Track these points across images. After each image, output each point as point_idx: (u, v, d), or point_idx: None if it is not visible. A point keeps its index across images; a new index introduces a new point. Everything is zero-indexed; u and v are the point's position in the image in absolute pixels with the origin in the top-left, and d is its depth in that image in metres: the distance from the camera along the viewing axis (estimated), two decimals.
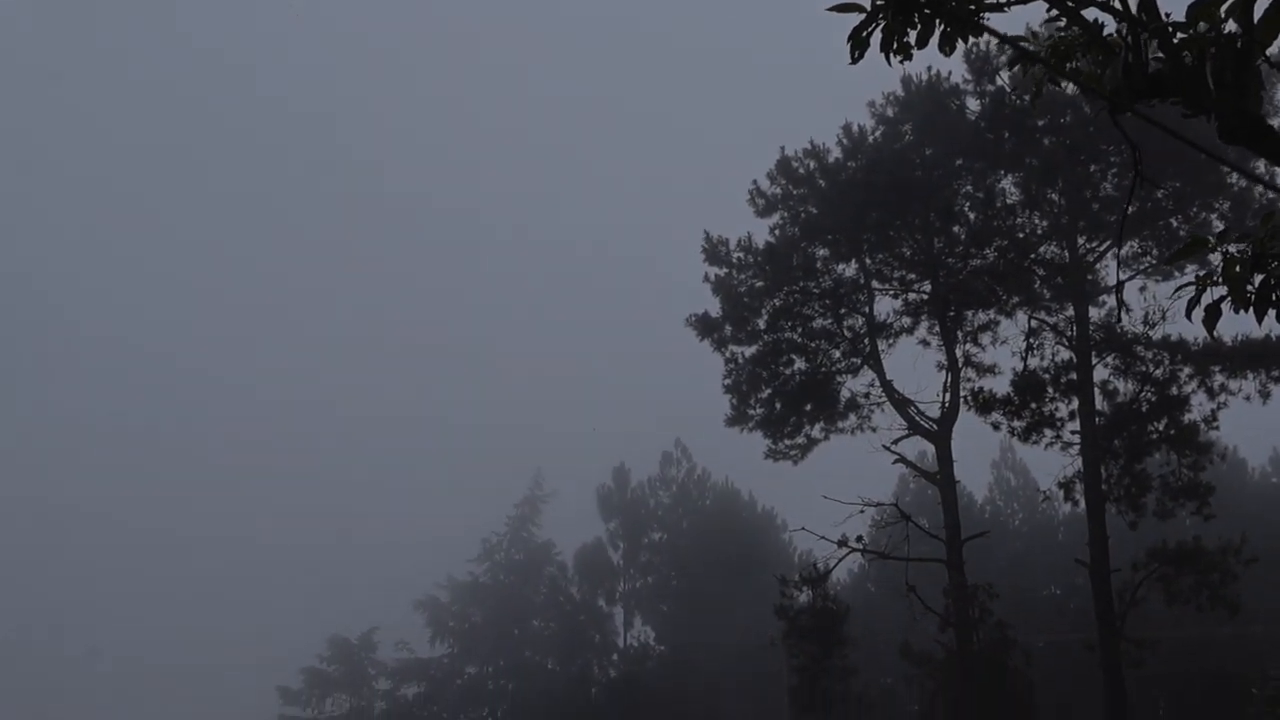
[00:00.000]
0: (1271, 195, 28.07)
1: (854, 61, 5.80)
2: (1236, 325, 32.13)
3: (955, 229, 32.30)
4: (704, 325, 33.70)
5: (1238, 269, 4.71)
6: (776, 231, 33.71)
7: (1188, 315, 4.87)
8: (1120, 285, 28.08)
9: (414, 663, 58.98)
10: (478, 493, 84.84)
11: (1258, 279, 4.72)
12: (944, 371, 32.46)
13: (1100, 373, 30.51)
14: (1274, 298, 4.76)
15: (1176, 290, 5.05)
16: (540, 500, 62.19)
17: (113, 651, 79.41)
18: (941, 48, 5.47)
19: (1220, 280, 4.83)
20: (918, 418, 32.45)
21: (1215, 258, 4.91)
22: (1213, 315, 4.82)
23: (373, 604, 79.21)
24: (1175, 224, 30.58)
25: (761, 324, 33.62)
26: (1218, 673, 41.46)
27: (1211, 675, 41.94)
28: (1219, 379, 29.63)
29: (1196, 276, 4.85)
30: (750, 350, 33.87)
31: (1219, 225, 29.73)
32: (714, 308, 33.80)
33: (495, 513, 61.88)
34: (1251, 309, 4.75)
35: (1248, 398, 29.64)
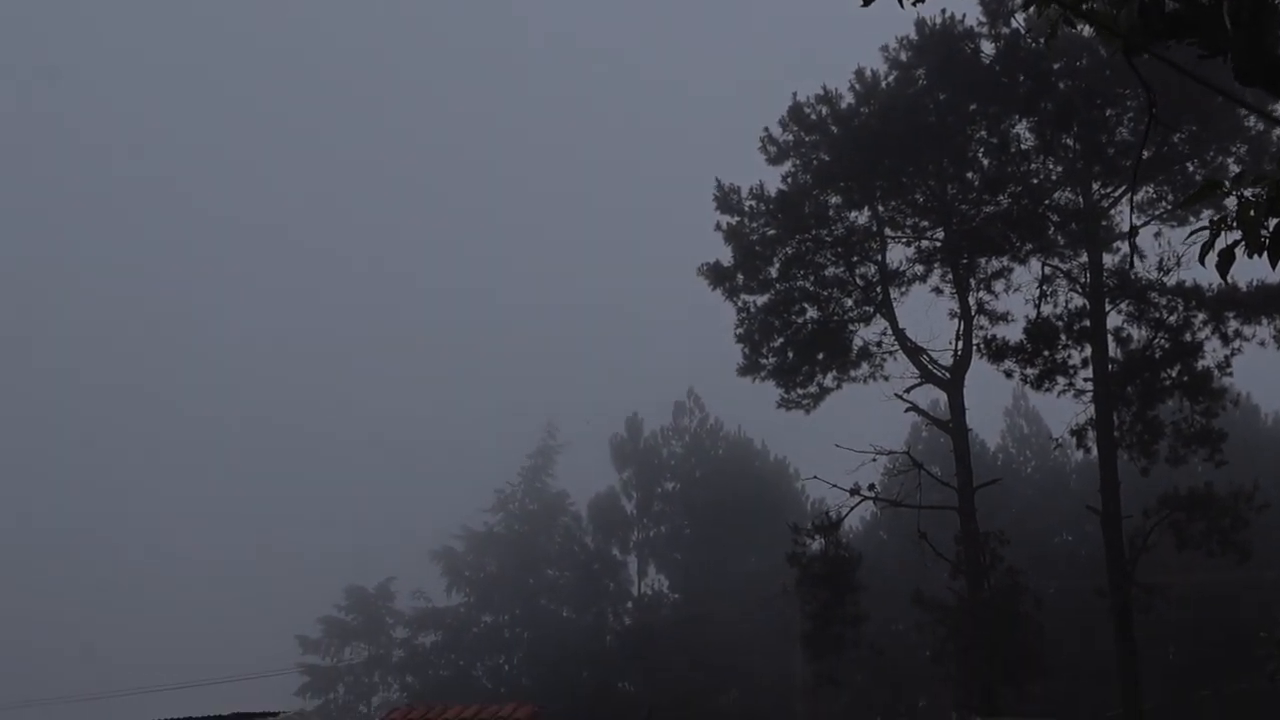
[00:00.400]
0: None
1: (866, 4, 5.73)
2: (1252, 270, 31.94)
3: (968, 175, 32.05)
4: (716, 274, 33.60)
5: (1252, 212, 4.66)
6: (789, 179, 33.49)
7: (1201, 260, 4.83)
8: (1134, 231, 27.86)
9: (431, 612, 59.61)
10: (491, 442, 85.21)
11: (1272, 223, 4.68)
12: (956, 319, 32.39)
13: (1114, 319, 30.44)
14: None
15: (1190, 235, 5.01)
16: (553, 450, 62.46)
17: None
18: None
19: (1234, 224, 4.78)
20: (930, 366, 32.44)
21: (1230, 202, 4.86)
22: (1226, 260, 4.78)
23: (389, 554, 79.90)
24: (1191, 168, 30.29)
25: (774, 272, 33.51)
26: (1228, 619, 41.62)
27: (1222, 621, 42.12)
28: (1233, 325, 29.50)
29: (1210, 221, 4.80)
30: (762, 299, 33.80)
31: (1235, 169, 29.41)
32: (726, 256, 33.70)
33: (509, 463, 62.26)
34: (1266, 253, 4.71)
35: (1262, 343, 29.54)
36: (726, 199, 33.62)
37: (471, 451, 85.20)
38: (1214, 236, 4.87)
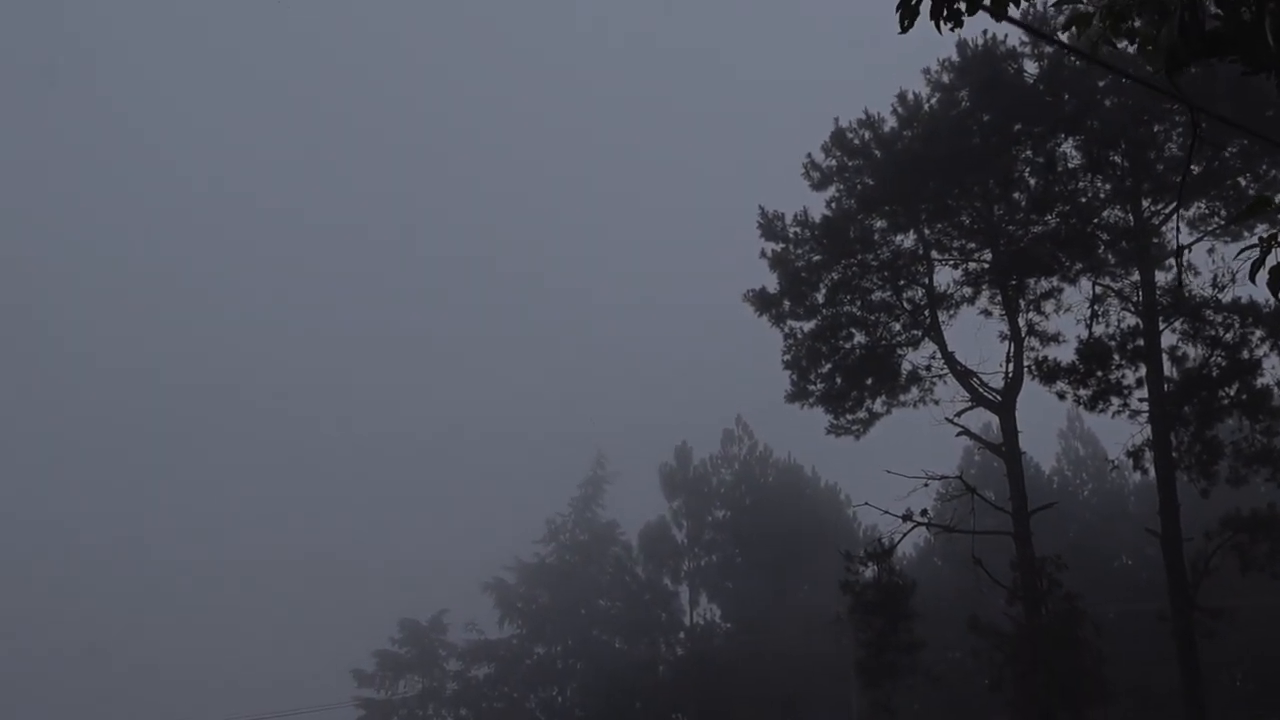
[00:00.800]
0: None
1: (903, 31, 5.73)
2: None
3: (1015, 196, 31.77)
4: (761, 301, 33.56)
5: None
6: (833, 204, 33.40)
7: (1251, 278, 4.74)
8: (1180, 250, 27.45)
9: (483, 644, 59.72)
10: (541, 473, 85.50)
11: None
12: (1006, 341, 32.04)
13: (1168, 338, 29.94)
14: None
15: (1241, 251, 4.93)
16: (603, 480, 62.53)
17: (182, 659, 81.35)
18: (993, 13, 5.39)
19: None
20: (981, 389, 32.09)
21: None
22: (1277, 277, 4.70)
23: (441, 587, 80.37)
24: (1244, 183, 29.81)
25: (820, 298, 33.39)
26: None
27: None
28: None
29: (1259, 238, 4.72)
30: (809, 325, 33.68)
31: None
32: (771, 283, 33.65)
33: (559, 493, 62.42)
34: None
35: None
36: (771, 226, 33.62)
37: (520, 482, 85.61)
38: (1264, 253, 4.79)
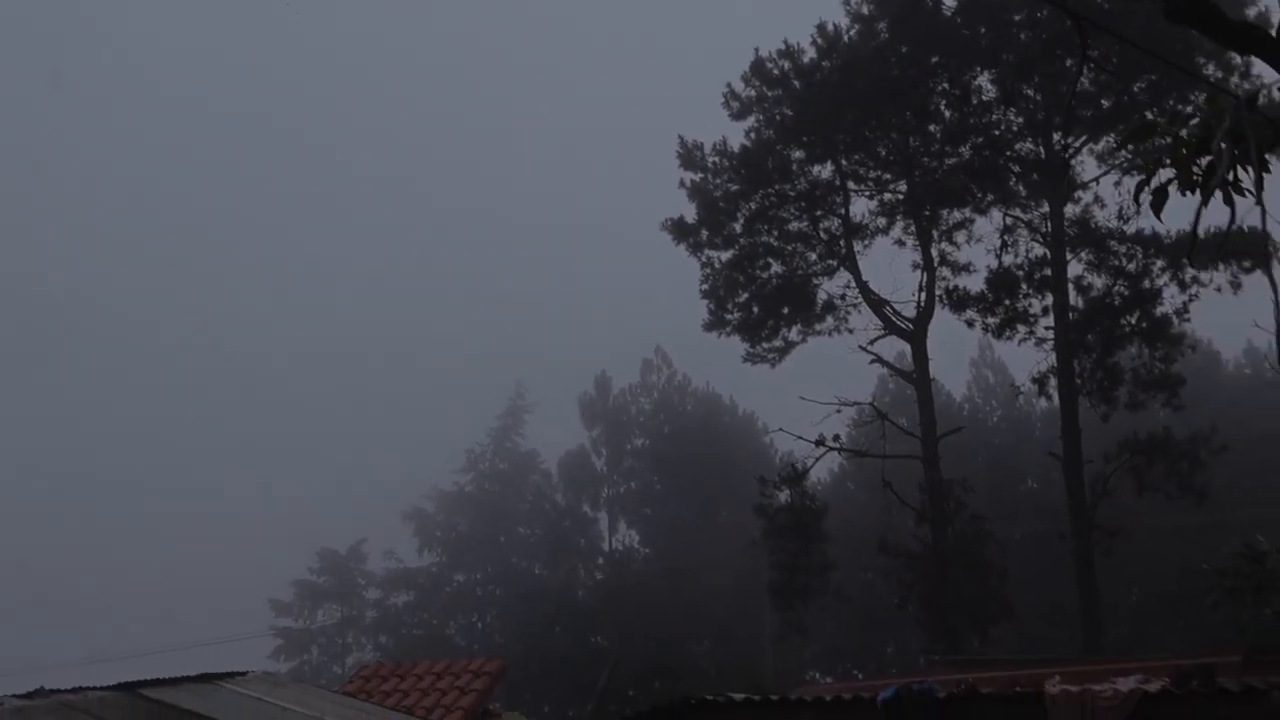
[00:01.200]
0: (1247, 85, 27.95)
1: None
2: (1209, 218, 32.21)
3: (931, 128, 32.19)
4: (680, 230, 33.69)
5: (1184, 151, 4.80)
6: (752, 135, 33.55)
7: (1135, 199, 4.97)
8: (1066, 165, 28.02)
9: (403, 572, 59.88)
10: (460, 404, 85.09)
11: (1204, 161, 4.82)
12: (919, 271, 32.68)
13: (1074, 268, 30.79)
14: (1225, 179, 4.85)
15: (1126, 174, 5.14)
16: (523, 410, 62.60)
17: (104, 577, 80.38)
18: None
19: (1169, 163, 4.92)
20: (894, 318, 32.74)
21: None
22: (1160, 198, 4.92)
23: (360, 516, 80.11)
24: (1150, 116, 30.47)
25: (738, 228, 33.64)
26: (1188, 560, 42.38)
27: (1182, 562, 42.89)
28: (1190, 271, 29.89)
29: (1144, 161, 4.93)
30: (727, 255, 33.95)
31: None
32: (690, 213, 33.78)
33: (478, 424, 62.35)
34: (1198, 191, 4.85)
35: (1219, 289, 29.94)
36: (690, 155, 33.65)
37: (440, 411, 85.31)
38: (1150, 176, 5.01)
